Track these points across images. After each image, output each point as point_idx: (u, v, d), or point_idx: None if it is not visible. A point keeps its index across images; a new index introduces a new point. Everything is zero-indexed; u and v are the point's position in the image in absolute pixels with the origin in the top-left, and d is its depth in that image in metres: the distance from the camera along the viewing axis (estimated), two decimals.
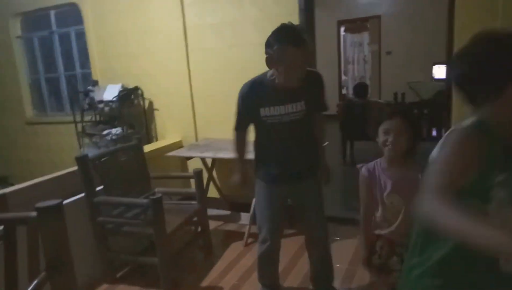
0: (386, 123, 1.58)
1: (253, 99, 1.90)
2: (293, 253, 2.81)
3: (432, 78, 6.85)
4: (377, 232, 1.72)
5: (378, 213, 1.68)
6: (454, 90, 1.01)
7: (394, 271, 1.64)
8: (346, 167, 4.98)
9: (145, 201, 2.43)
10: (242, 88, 1.94)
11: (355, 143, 5.12)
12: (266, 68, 1.88)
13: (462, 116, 1.03)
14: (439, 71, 6.63)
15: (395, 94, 5.19)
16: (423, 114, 4.99)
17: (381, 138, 1.59)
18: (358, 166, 1.76)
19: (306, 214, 2.11)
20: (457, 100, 2.74)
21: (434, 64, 6.75)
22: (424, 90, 6.62)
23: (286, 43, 1.69)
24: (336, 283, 2.32)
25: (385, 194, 1.63)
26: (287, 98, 1.85)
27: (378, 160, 1.69)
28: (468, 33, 2.69)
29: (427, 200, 0.83)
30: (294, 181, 2.02)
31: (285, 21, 3.13)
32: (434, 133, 4.99)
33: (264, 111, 1.88)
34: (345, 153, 5.12)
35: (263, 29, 3.22)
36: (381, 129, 1.59)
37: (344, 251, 2.75)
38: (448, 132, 0.98)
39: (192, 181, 2.98)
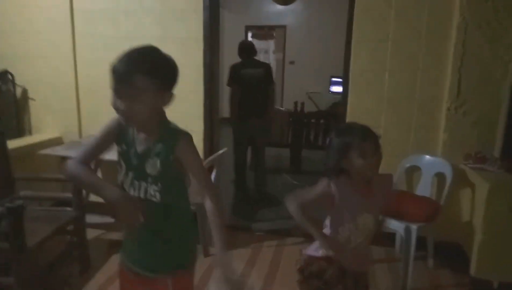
0: (364, 145, 1.42)
1: None
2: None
3: (329, 90, 7.30)
4: (322, 253, 1.52)
5: (343, 233, 1.50)
6: None
7: None
8: None
9: None
10: None
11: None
12: None
13: None
14: (336, 85, 7.09)
15: (295, 103, 5.38)
16: (319, 124, 5.22)
17: (359, 161, 1.42)
18: (324, 179, 1.50)
19: None
20: (351, 112, 2.86)
21: (331, 78, 7.19)
22: (322, 101, 7.00)
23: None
24: None
25: (358, 214, 1.47)
26: None
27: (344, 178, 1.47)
28: (362, 48, 2.76)
29: None
30: None
31: (190, 16, 2.99)
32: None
33: None
34: None
35: (164, 22, 3.03)
36: (356, 153, 1.42)
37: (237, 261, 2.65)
38: None
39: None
